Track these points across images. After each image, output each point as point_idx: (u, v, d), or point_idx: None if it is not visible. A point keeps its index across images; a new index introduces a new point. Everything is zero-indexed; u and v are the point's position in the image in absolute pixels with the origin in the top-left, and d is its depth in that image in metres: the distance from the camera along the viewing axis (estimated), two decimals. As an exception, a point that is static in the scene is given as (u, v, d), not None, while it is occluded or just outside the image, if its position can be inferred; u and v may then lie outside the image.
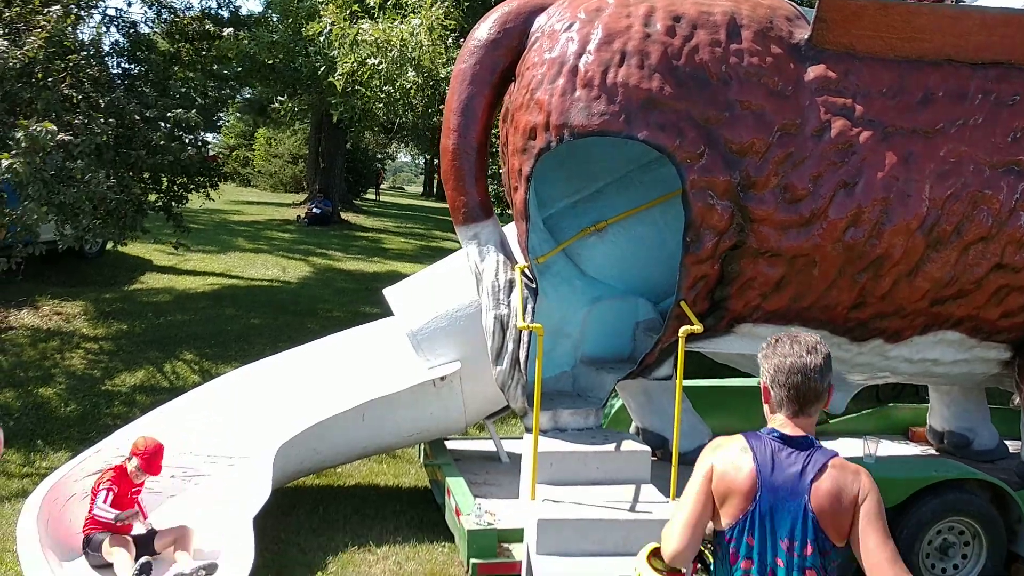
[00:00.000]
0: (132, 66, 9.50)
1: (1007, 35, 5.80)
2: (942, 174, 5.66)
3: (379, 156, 45.26)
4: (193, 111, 9.71)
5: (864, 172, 5.60)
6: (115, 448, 6.07)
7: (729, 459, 2.70)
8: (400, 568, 5.62)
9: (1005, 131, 5.74)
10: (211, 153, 14.43)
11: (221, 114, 29.19)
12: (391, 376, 6.36)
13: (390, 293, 6.77)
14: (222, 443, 6.29)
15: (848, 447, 7.30)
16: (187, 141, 9.88)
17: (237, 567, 5.14)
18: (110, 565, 5.19)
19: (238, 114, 35.92)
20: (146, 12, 9.71)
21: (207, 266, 15.41)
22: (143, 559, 5.13)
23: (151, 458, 5.43)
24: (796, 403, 2.68)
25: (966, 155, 5.68)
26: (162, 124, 9.18)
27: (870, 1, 5.66)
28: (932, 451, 7.50)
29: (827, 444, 7.36)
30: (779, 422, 2.71)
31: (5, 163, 6.89)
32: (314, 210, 24.10)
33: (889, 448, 7.38)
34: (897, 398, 9.50)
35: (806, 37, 5.70)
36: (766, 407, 2.76)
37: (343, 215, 25.67)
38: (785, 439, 2.68)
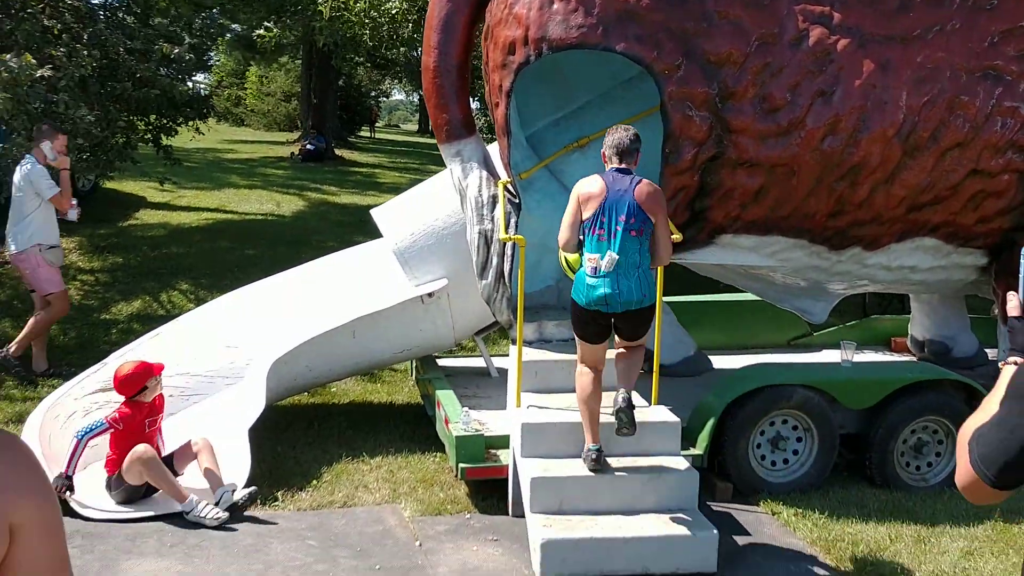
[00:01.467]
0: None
1: (985, -62, 5.79)
2: (919, 81, 5.70)
3: (373, 93, 44.86)
4: (184, 45, 9.65)
5: (841, 80, 5.64)
6: (113, 369, 6.22)
7: (587, 183, 4.86)
8: (392, 476, 5.81)
9: (983, 36, 5.76)
10: (205, 93, 14.37)
11: (211, 53, 28.88)
12: (380, 294, 6.49)
13: (377, 213, 6.86)
14: (217, 363, 6.45)
15: (829, 357, 7.47)
16: (174, 75, 9.82)
17: (234, 476, 5.34)
18: (143, 495, 5.25)
19: (227, 51, 35.54)
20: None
21: (201, 202, 15.45)
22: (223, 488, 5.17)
23: (123, 381, 5.35)
24: (618, 155, 4.88)
25: (943, 61, 5.72)
26: (148, 58, 9.15)
27: (847, -95, 5.64)
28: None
29: (810, 355, 7.51)
30: (613, 164, 4.87)
31: None
32: (308, 146, 24.03)
33: (871, 358, 7.55)
34: (884, 311, 9.66)
35: (783, -56, 5.69)
36: (605, 162, 4.93)
37: (337, 151, 25.60)
38: (619, 170, 4.85)
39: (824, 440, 5.82)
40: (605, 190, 4.76)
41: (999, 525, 5.33)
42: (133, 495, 5.23)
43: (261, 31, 14.61)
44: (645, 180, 4.82)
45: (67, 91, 7.78)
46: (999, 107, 5.78)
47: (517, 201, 5.91)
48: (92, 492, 5.29)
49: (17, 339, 7.48)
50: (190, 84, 10.78)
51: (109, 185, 14.06)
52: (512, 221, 5.76)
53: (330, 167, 23.12)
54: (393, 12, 8.61)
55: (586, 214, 4.78)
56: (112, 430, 5.26)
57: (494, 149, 6.28)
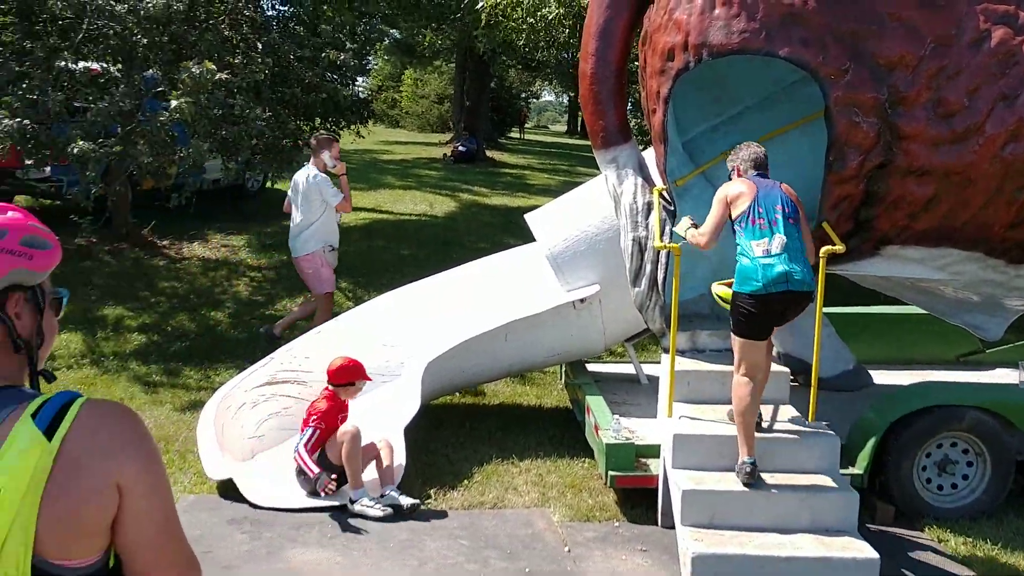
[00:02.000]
0: (285, 7, 9.94)
1: None
2: (1115, 83, 5.28)
3: (523, 95, 45.37)
4: (348, 52, 10.07)
5: (1026, 83, 5.30)
6: (279, 364, 6.56)
7: (732, 185, 5.06)
8: (542, 480, 5.86)
9: None
10: (364, 96, 14.95)
11: (370, 57, 29.95)
12: (533, 298, 6.55)
13: (531, 218, 6.93)
14: (375, 361, 6.66)
15: (1003, 377, 7.02)
16: (339, 81, 10.27)
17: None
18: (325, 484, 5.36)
19: (386, 56, 36.71)
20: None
21: (358, 202, 15.96)
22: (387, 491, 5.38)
23: (337, 371, 5.66)
24: (755, 167, 5.10)
25: None
26: (316, 64, 9.59)
27: (1038, -102, 5.29)
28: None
29: (981, 374, 7.10)
30: (751, 173, 5.08)
31: (174, 103, 7.41)
32: (460, 148, 24.55)
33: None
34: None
35: (964, -60, 5.39)
36: (739, 175, 5.16)
37: (488, 153, 26.03)
38: (760, 175, 5.08)
39: (998, 466, 5.48)
40: (754, 187, 4.95)
41: None
42: (326, 476, 5.34)
43: (419, 38, 15.03)
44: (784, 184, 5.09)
45: (243, 95, 8.25)
46: None
47: (672, 208, 5.84)
48: (261, 481, 5.58)
49: (282, 321, 8.18)
50: (353, 89, 11.21)
51: (274, 186, 14.82)
52: (667, 229, 5.70)
53: (481, 168, 23.54)
54: (550, 18, 8.67)
55: (739, 210, 4.91)
56: (319, 430, 5.50)
57: (650, 155, 6.23)
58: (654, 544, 5.07)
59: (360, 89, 17.63)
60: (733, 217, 4.95)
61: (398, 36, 21.34)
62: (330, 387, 5.68)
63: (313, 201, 7.77)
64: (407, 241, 12.75)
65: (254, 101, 8.44)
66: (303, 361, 6.61)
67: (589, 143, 6.16)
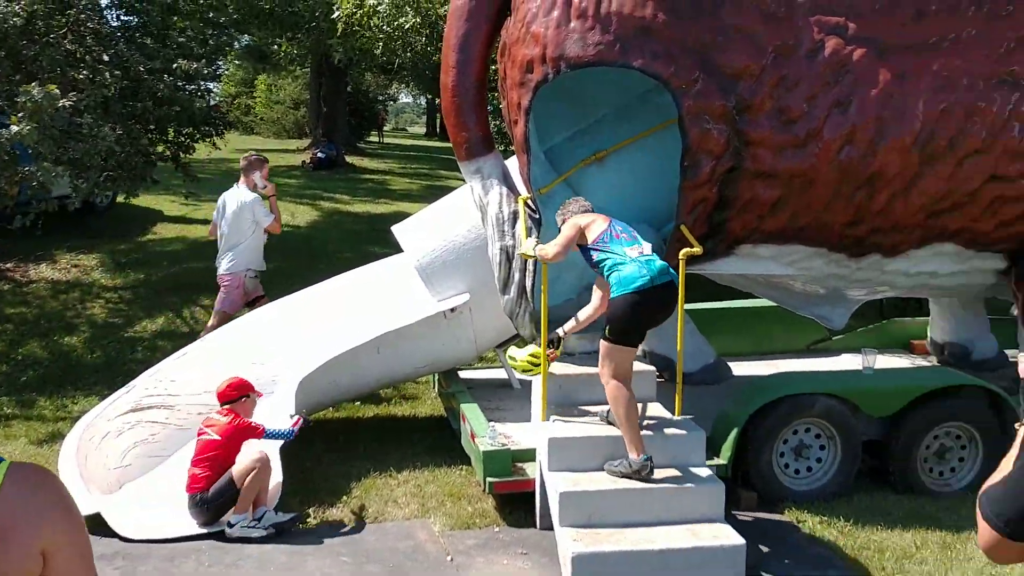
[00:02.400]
0: (131, 18, 9.56)
1: (998, -53, 5.83)
2: (936, 89, 5.74)
3: (380, 97, 45.01)
4: (200, 61, 9.78)
5: (858, 91, 5.68)
6: (143, 389, 6.33)
7: (582, 217, 5.27)
8: (421, 490, 5.89)
9: (998, 43, 5.79)
10: (215, 102, 14.53)
11: (220, 63, 29.09)
12: (403, 310, 6.57)
13: (398, 230, 6.95)
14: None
15: (849, 362, 7.51)
16: (193, 92, 9.97)
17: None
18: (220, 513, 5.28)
19: (237, 62, 35.70)
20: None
21: (212, 214, 15.56)
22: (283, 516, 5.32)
23: (229, 388, 5.58)
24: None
25: (959, 69, 5.75)
26: (166, 76, 9.28)
27: (860, -82, 5.69)
28: (933, 362, 7.71)
29: (829, 359, 7.57)
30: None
31: (14, 129, 7.03)
32: (319, 155, 24.13)
33: (891, 361, 7.59)
34: (902, 314, 9.68)
35: (798, -43, 5.74)
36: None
37: (348, 158, 25.71)
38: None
39: (847, 448, 5.88)
40: (605, 216, 5.34)
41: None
42: (224, 509, 5.26)
43: (275, 48, 14.74)
44: None
45: (90, 112, 7.90)
46: (1016, 113, 5.81)
47: (537, 216, 5.97)
48: (130, 512, 5.38)
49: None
50: (205, 93, 10.91)
51: (128, 201, 14.22)
52: (534, 236, 5.83)
53: (341, 175, 23.23)
54: (406, 27, 8.69)
55: (596, 232, 5.21)
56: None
57: (513, 164, 6.35)
58: (534, 547, 5.19)
59: (215, 97, 17.12)
60: (591, 240, 5.18)
61: (249, 43, 20.82)
62: (225, 407, 5.53)
63: (244, 221, 7.73)
64: (271, 253, 12.42)
65: (103, 117, 8.09)
66: (169, 385, 6.42)
67: (449, 145, 6.23)
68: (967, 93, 5.74)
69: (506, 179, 6.14)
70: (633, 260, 5.05)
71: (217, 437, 5.36)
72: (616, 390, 5.00)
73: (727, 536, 4.84)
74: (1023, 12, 5.79)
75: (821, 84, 5.67)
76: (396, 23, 8.61)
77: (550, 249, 5.26)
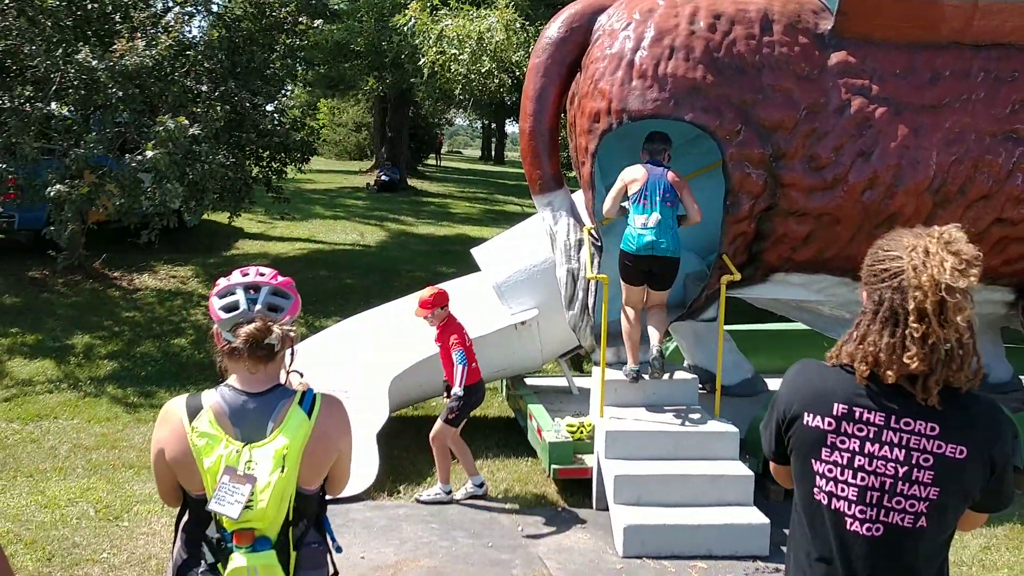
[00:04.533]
0: (236, 57, 10.77)
1: (1006, 20, 6.72)
2: (948, 143, 6.63)
3: (439, 121, 46.44)
4: (297, 104, 10.95)
5: (879, 142, 6.60)
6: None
7: (632, 170, 6.47)
8: (493, 476, 6.88)
9: (1004, 104, 6.68)
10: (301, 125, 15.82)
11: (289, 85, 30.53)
12: (481, 321, 7.58)
13: (478, 252, 7.99)
14: (343, 379, 7.58)
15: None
16: (291, 124, 11.18)
17: (365, 475, 6.45)
18: None
19: (304, 87, 37.29)
20: (246, 8, 10.94)
21: (293, 232, 16.82)
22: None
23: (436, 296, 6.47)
24: (649, 153, 6.66)
25: (969, 126, 6.65)
26: (268, 109, 10.49)
27: (885, -4, 6.63)
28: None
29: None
30: (645, 159, 6.62)
31: (149, 154, 8.22)
32: (383, 177, 25.43)
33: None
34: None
35: (829, 28, 6.70)
36: (643, 157, 6.67)
37: (409, 181, 26.97)
38: (652, 162, 6.55)
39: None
40: (646, 175, 6.43)
41: (1016, 526, 6.19)
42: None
43: (365, 87, 15.91)
44: (673, 170, 6.49)
45: (207, 141, 9.09)
46: (1020, 164, 6.68)
47: (600, 244, 6.96)
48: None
49: None
50: (303, 126, 12.14)
51: (208, 217, 15.51)
52: (596, 261, 6.82)
53: (404, 197, 24.47)
54: (483, 71, 9.77)
55: (632, 190, 6.42)
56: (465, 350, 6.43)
57: (579, 199, 7.36)
58: (592, 522, 6.15)
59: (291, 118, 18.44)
60: (628, 194, 6.44)
61: (322, 72, 22.25)
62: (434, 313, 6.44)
63: None
64: (347, 271, 13.64)
65: (215, 146, 9.28)
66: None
67: (505, 169, 7.27)
68: (975, 147, 6.63)
69: (573, 211, 7.15)
70: (631, 227, 6.35)
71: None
72: (624, 315, 6.49)
73: (754, 516, 5.76)
74: (1025, 78, 6.67)
75: (847, 136, 6.60)
76: (474, 69, 9.69)
77: (604, 205, 6.53)
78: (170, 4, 10.04)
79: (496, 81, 10.14)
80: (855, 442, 2.12)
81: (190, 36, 10.40)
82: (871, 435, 2.11)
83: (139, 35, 8.97)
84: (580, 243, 6.93)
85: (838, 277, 6.97)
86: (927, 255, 2.09)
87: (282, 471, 2.36)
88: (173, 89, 9.20)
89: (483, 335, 7.43)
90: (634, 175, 6.45)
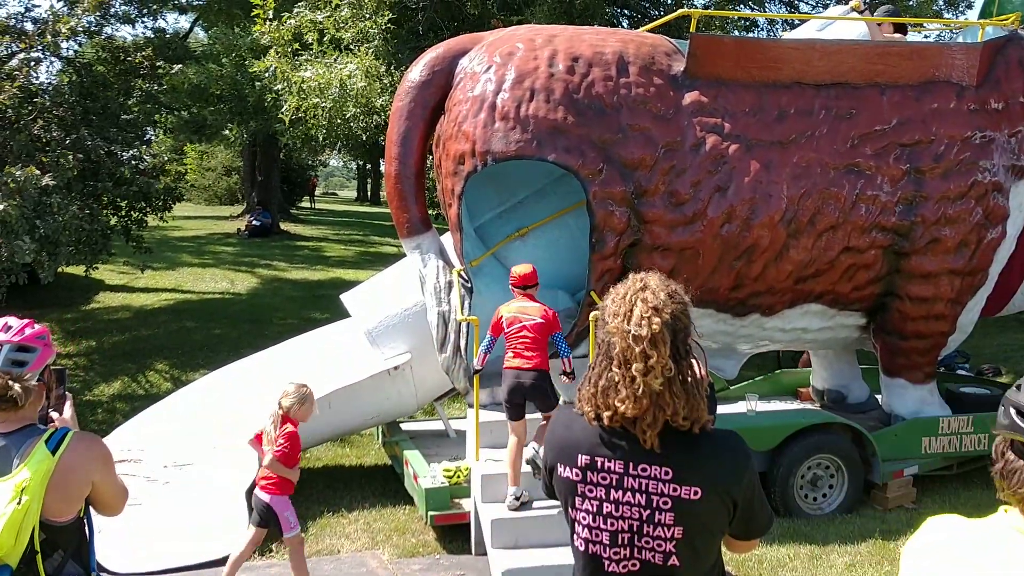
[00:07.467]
0: (89, 103, 10.36)
1: (843, 61, 7.14)
2: (796, 176, 6.95)
3: (311, 164, 45.83)
4: (160, 151, 10.56)
5: (734, 178, 6.86)
6: (117, 449, 7.05)
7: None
8: (370, 527, 6.72)
9: (845, 139, 7.06)
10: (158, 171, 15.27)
11: (150, 130, 29.57)
12: (352, 368, 7.44)
13: (347, 298, 7.85)
14: (208, 436, 7.30)
15: (741, 407, 8.59)
16: (150, 173, 10.78)
17: (232, 533, 6.19)
18: None
19: (169, 133, 36.26)
20: (99, 53, 10.54)
21: (158, 283, 16.19)
22: None
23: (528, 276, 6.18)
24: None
25: (815, 160, 6.99)
26: (123, 157, 10.08)
27: (730, 38, 6.93)
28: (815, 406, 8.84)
29: (726, 407, 8.62)
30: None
31: None
32: (254, 223, 24.79)
33: (778, 406, 8.70)
34: (796, 365, 10.87)
35: (682, 69, 6.95)
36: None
37: (282, 225, 26.41)
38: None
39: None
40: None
41: (879, 543, 6.44)
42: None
43: (226, 132, 15.62)
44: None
45: (59, 192, 8.65)
46: (862, 195, 7.06)
47: (470, 285, 6.95)
48: (121, 545, 6.08)
49: None
50: (160, 172, 11.72)
51: (65, 270, 14.79)
52: (466, 303, 6.80)
53: (276, 242, 23.89)
54: (347, 115, 9.69)
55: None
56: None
57: (447, 241, 7.34)
58: (471, 568, 6.06)
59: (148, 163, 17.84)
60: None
61: (187, 117, 21.61)
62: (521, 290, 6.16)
63: None
64: (216, 320, 13.20)
65: (67, 197, 8.86)
66: (135, 442, 7.15)
67: (381, 210, 7.20)
68: (821, 179, 6.97)
69: (442, 253, 7.13)
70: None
71: (539, 320, 6.01)
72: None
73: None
74: (862, 115, 7.07)
75: (704, 172, 6.83)
76: (338, 112, 9.59)
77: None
78: (15, 49, 9.56)
79: (362, 125, 10.06)
80: (601, 490, 2.15)
81: (38, 82, 9.93)
82: (613, 483, 2.14)
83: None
84: (450, 285, 6.90)
85: (702, 309, 7.16)
86: (623, 301, 2.15)
87: (19, 503, 2.52)
88: (19, 138, 8.75)
89: (356, 382, 7.29)
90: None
